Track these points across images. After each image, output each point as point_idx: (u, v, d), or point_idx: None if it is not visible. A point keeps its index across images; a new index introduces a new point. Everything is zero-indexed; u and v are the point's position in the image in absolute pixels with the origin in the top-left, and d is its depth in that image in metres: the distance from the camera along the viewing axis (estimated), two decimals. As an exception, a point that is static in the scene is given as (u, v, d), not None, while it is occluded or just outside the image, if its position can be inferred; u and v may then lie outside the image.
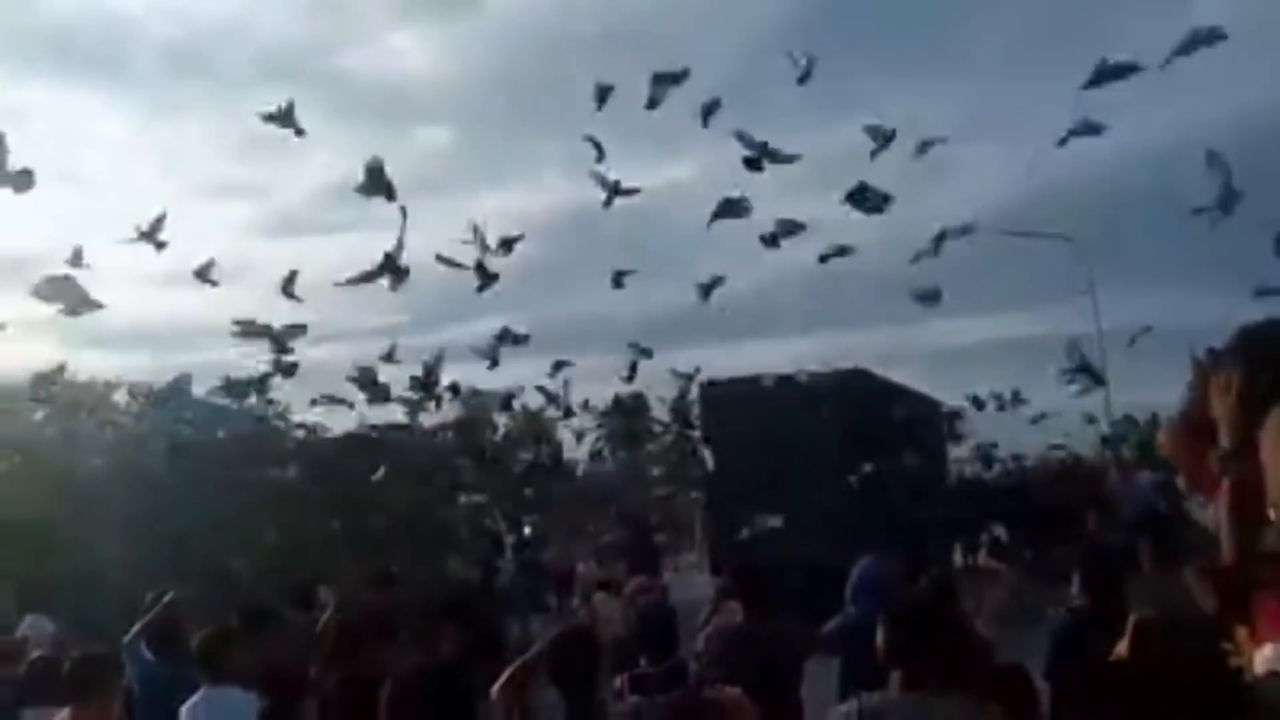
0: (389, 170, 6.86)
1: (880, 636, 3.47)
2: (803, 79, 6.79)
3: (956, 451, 15.24)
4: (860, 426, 11.46)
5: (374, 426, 13.32)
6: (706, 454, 14.11)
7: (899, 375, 13.11)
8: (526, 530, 11.99)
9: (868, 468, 10.29)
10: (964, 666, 3.28)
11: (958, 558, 14.08)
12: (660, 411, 29.48)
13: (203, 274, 7.42)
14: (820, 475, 11.54)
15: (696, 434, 20.31)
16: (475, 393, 17.76)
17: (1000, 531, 13.94)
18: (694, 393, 14.42)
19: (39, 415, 18.39)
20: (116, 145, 39.32)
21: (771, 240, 7.61)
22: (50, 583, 9.09)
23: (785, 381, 11.43)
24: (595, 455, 25.54)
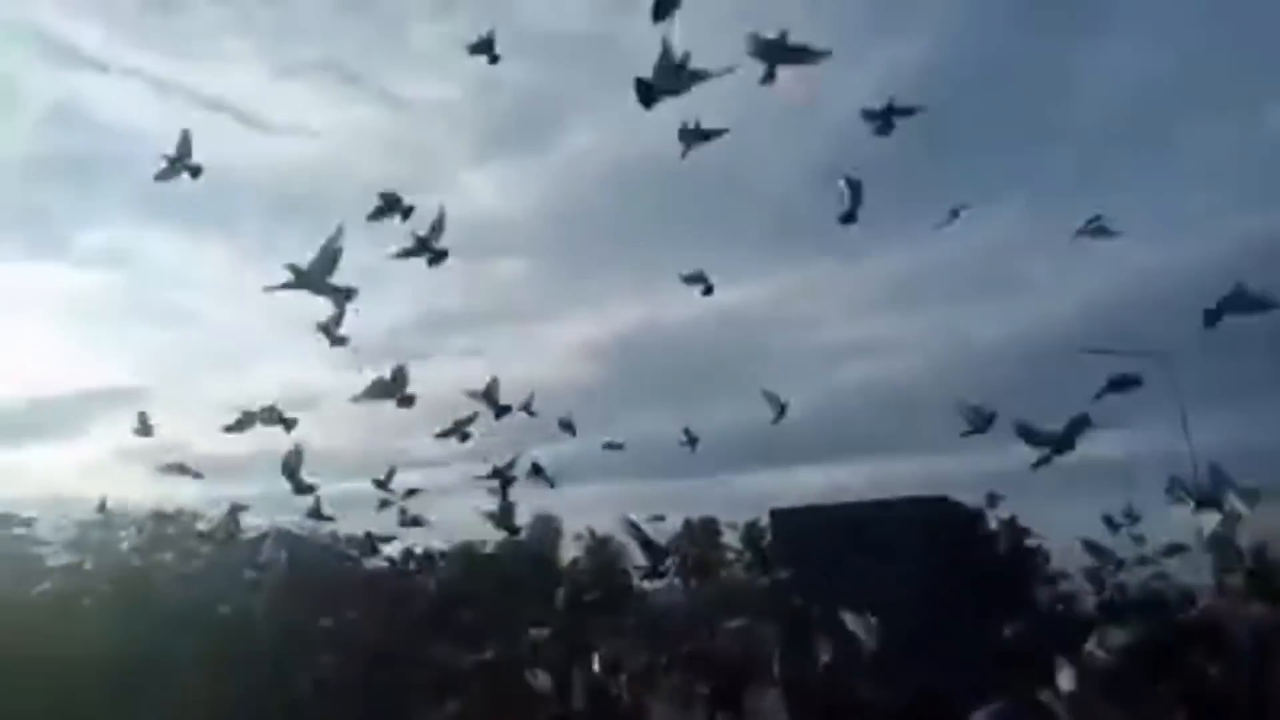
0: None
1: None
2: (846, 218, 7.12)
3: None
4: (944, 558, 10.96)
5: (442, 554, 13.29)
6: (779, 585, 13.62)
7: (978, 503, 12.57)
8: (595, 663, 11.58)
9: (954, 604, 9.79)
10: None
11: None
12: (733, 539, 28.95)
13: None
14: (901, 610, 10.98)
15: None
16: (545, 518, 17.66)
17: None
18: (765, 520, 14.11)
19: (125, 546, 18.96)
20: (215, 285, 42.04)
21: None
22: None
23: (860, 508, 11.11)
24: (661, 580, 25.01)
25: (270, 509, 12.85)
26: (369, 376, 8.92)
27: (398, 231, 8.37)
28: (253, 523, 15.68)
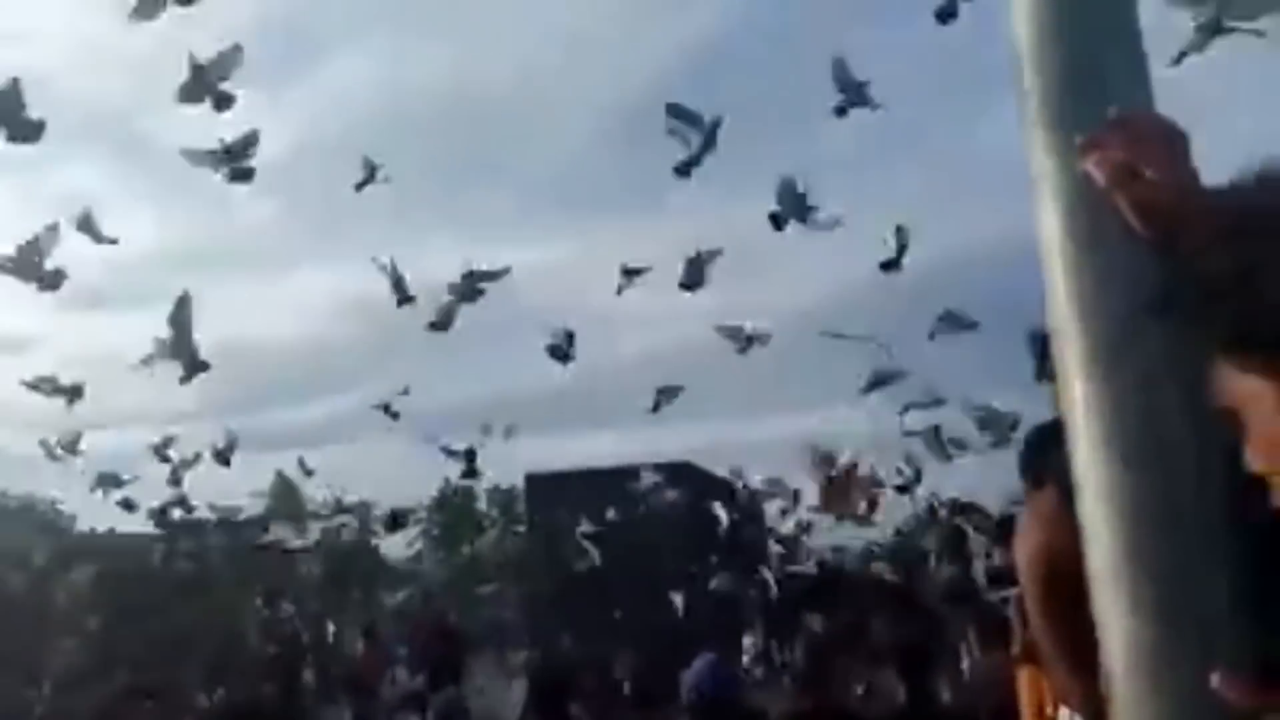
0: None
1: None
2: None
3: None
4: (686, 519, 11.54)
5: (163, 524, 12.11)
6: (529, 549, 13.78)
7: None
8: (330, 633, 11.11)
9: (692, 564, 10.36)
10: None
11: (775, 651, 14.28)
12: (489, 504, 28.78)
13: None
14: (646, 569, 11.47)
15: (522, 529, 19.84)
16: (285, 483, 16.63)
17: (815, 623, 14.27)
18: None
19: None
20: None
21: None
22: None
23: (612, 474, 11.44)
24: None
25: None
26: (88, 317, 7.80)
27: (125, 160, 7.35)
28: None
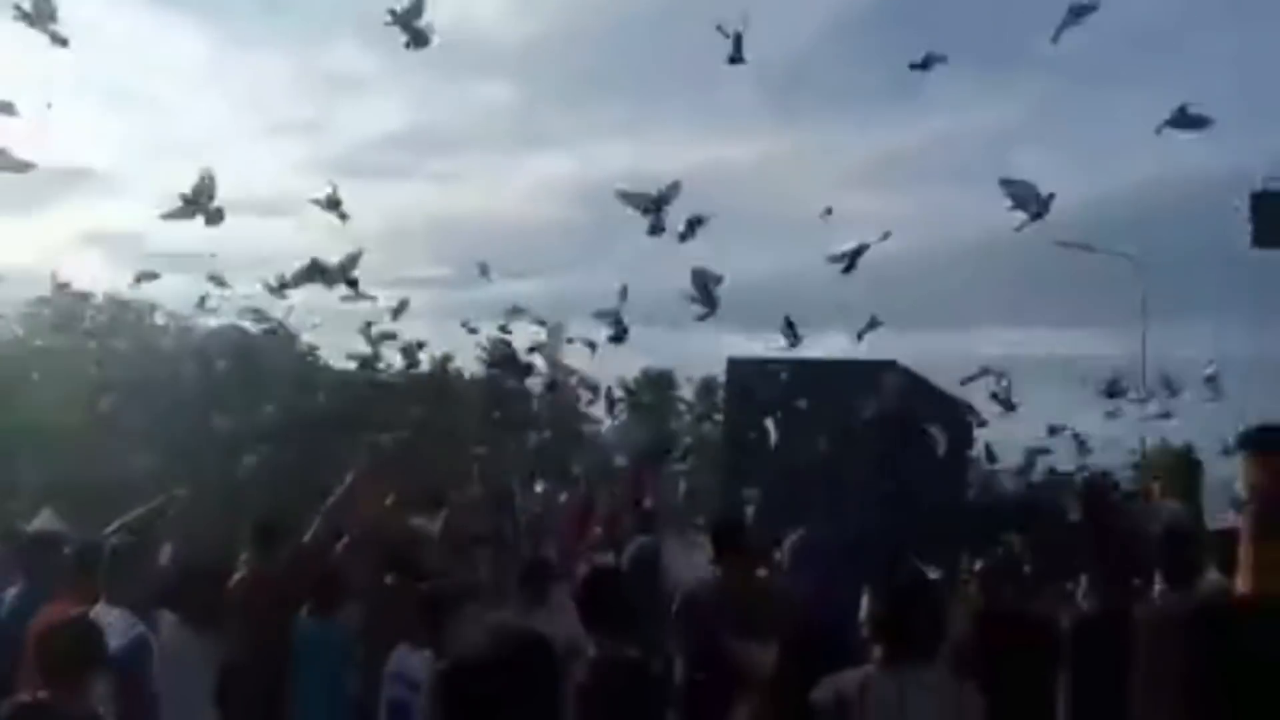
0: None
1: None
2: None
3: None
4: (886, 418, 11.29)
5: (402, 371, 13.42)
6: (724, 429, 14.07)
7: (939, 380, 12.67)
8: (537, 488, 12.05)
9: (889, 460, 10.22)
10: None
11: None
12: (688, 392, 29.57)
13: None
14: (840, 464, 11.40)
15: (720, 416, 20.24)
16: (504, 343, 17.86)
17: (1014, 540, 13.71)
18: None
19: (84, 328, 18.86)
20: (188, 71, 39.82)
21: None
22: (77, 492, 9.32)
23: (813, 365, 11.34)
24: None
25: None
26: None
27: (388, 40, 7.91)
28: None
